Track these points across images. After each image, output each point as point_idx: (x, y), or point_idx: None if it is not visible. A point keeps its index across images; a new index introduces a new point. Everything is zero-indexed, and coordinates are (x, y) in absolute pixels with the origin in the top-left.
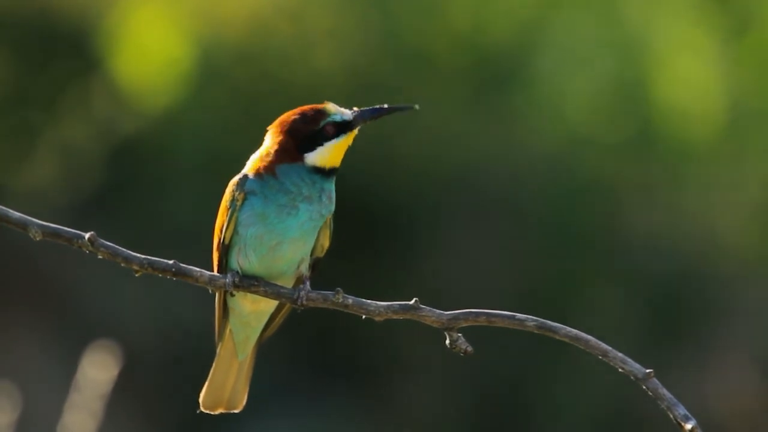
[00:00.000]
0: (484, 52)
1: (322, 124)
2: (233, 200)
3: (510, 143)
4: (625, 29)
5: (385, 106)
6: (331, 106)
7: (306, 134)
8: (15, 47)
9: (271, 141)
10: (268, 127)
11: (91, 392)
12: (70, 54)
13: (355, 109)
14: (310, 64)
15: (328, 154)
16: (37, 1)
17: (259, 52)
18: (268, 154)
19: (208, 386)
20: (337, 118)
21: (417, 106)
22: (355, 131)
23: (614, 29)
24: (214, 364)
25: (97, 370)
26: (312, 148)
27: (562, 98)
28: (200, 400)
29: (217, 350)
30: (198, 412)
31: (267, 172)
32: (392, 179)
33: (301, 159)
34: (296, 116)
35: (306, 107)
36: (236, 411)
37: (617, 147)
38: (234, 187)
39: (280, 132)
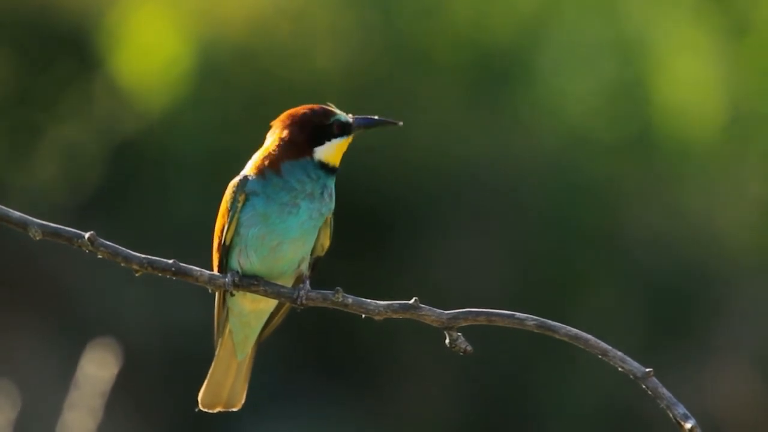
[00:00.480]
0: (484, 51)
1: (332, 120)
2: (234, 202)
3: (510, 143)
4: (625, 29)
5: (375, 117)
6: (332, 107)
7: (317, 127)
8: (15, 47)
9: (276, 135)
10: (272, 123)
11: (90, 390)
12: (71, 54)
13: (350, 115)
14: (310, 64)
15: (333, 151)
16: (37, 1)
17: (259, 52)
18: (273, 150)
19: (206, 385)
20: (342, 118)
21: (401, 123)
22: (352, 136)
23: (615, 29)
24: (213, 364)
25: (97, 368)
26: (321, 142)
27: (562, 98)
28: (199, 398)
29: (216, 350)
30: (196, 410)
31: (271, 169)
32: (392, 179)
33: (310, 153)
34: (306, 111)
35: (313, 105)
36: (235, 409)
37: (617, 147)
38: (234, 188)
39: (290, 124)
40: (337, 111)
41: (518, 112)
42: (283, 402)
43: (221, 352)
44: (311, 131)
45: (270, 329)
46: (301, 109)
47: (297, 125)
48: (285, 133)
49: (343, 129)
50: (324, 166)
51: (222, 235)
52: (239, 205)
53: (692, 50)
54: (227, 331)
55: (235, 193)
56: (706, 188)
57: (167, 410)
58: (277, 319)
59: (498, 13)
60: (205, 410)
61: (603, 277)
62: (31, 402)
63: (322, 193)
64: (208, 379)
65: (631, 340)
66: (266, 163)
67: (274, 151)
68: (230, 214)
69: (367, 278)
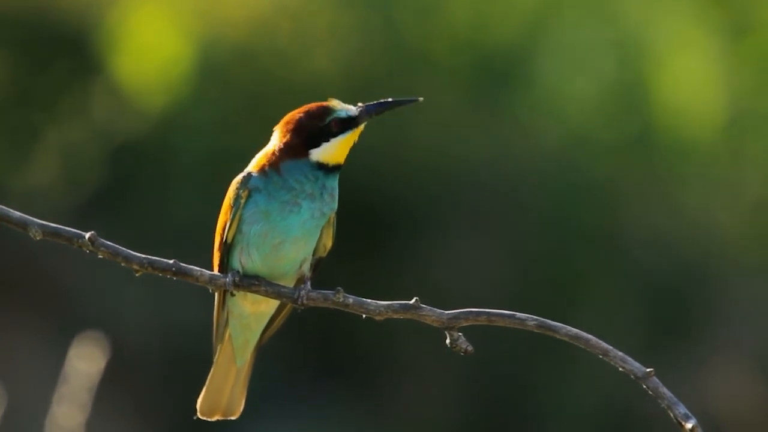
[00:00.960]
0: (484, 51)
1: (327, 120)
2: (237, 198)
3: (510, 143)
4: (625, 29)
5: (390, 99)
6: (335, 103)
7: (311, 131)
8: (15, 47)
9: (276, 139)
10: (275, 127)
11: (79, 384)
12: (70, 54)
13: (360, 104)
14: (310, 64)
15: (333, 150)
16: (37, 1)
17: (259, 51)
18: (273, 153)
19: (205, 393)
20: (342, 114)
21: (421, 99)
22: (361, 127)
23: (614, 29)
24: (212, 371)
25: (85, 363)
26: (317, 144)
27: (562, 98)
28: (197, 406)
29: (215, 356)
30: (195, 418)
31: (271, 169)
32: (393, 179)
33: (306, 155)
34: (302, 114)
35: (311, 105)
36: (233, 418)
37: (617, 147)
38: (238, 185)
39: (287, 131)
40: (338, 107)
41: (518, 112)
42: (284, 402)
43: (220, 357)
44: (306, 136)
45: (269, 334)
46: (297, 113)
47: (292, 131)
48: (284, 137)
49: (345, 124)
50: (323, 167)
51: (224, 233)
52: (242, 201)
53: (692, 50)
54: (227, 335)
55: (238, 189)
56: (706, 188)
57: (167, 410)
58: (278, 323)
59: (497, 13)
60: (204, 418)
61: (603, 277)
62: (31, 402)
63: (321, 194)
64: (207, 387)
65: (631, 340)
66: (267, 162)
67: (274, 153)
68: (233, 210)
69: (367, 278)
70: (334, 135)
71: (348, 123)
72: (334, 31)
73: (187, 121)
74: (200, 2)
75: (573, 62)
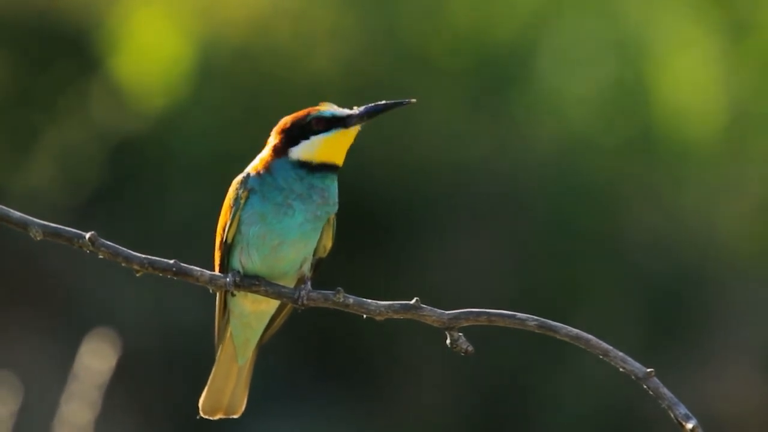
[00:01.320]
0: (484, 52)
1: (308, 119)
2: (237, 198)
3: (510, 144)
4: (625, 30)
5: (382, 103)
6: (325, 105)
7: (293, 130)
8: (15, 47)
9: (268, 142)
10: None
11: (89, 381)
12: (70, 54)
13: (355, 108)
14: (310, 64)
15: (314, 148)
16: (37, 1)
17: (259, 52)
18: (265, 154)
19: (207, 391)
20: (326, 113)
21: (414, 100)
22: (353, 129)
23: (615, 30)
24: (213, 369)
25: (96, 360)
26: (296, 143)
27: (562, 99)
28: (200, 405)
29: (217, 355)
30: (198, 417)
31: (264, 170)
32: (393, 179)
33: (287, 154)
34: (289, 116)
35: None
36: (235, 416)
37: (618, 147)
38: (237, 185)
39: (276, 133)
40: (325, 107)
41: (517, 114)
42: (285, 401)
43: (222, 356)
44: (289, 135)
45: (270, 333)
46: (289, 116)
47: (280, 132)
48: (273, 140)
49: (329, 123)
50: (305, 165)
51: (224, 233)
52: (242, 202)
53: (692, 50)
54: (228, 334)
55: (238, 190)
56: (706, 190)
57: (167, 410)
58: (279, 322)
59: (497, 14)
60: (206, 417)
61: (603, 279)
62: (30, 402)
63: (310, 194)
64: (209, 385)
65: (631, 341)
66: (261, 164)
67: (266, 155)
68: (233, 211)
69: (367, 279)
70: (315, 133)
71: (332, 122)
72: (334, 32)
73: (187, 121)
74: (200, 2)
75: (573, 62)
